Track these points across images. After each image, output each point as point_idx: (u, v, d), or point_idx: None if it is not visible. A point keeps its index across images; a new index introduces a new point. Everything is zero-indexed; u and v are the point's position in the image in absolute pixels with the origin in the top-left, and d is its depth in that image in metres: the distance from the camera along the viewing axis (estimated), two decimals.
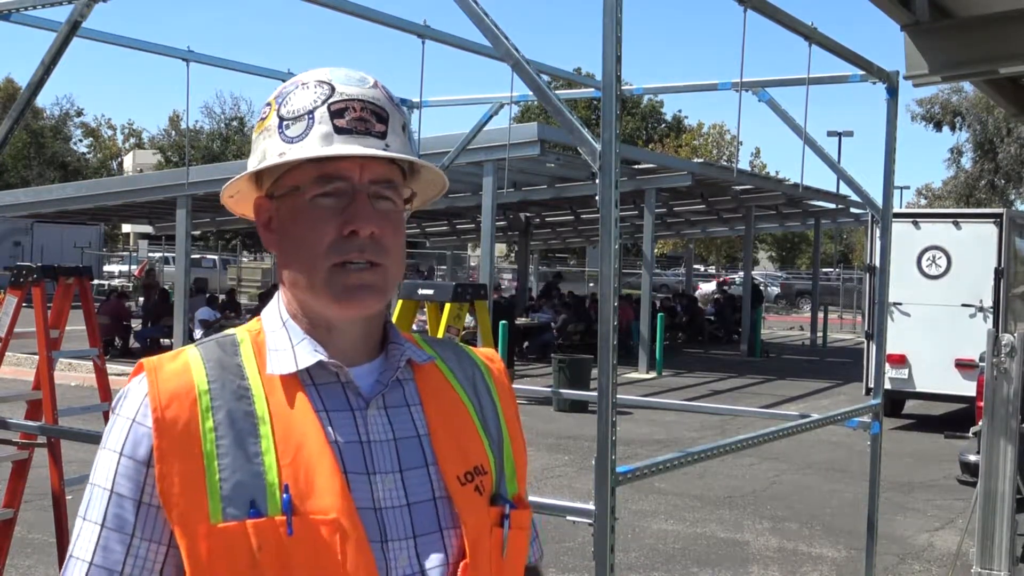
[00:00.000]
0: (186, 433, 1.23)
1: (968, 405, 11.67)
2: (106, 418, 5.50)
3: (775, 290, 43.80)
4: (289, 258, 1.31)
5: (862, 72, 4.99)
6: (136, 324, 20.37)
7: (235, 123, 57.53)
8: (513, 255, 34.65)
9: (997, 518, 5.34)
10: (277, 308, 1.36)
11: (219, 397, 1.25)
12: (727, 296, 28.44)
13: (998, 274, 12.47)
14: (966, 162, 42.04)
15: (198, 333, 17.23)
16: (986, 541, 5.36)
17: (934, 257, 12.90)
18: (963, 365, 12.30)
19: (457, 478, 1.31)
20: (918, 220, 13.11)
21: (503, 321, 14.83)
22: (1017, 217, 13.25)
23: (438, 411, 1.36)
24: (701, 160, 26.59)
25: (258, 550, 1.19)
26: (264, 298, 21.62)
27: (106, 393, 5.63)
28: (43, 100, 53.03)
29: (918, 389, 13.02)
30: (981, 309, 12.63)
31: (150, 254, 40.15)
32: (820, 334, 26.10)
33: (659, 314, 19.05)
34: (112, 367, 7.52)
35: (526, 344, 20.08)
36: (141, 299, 23.67)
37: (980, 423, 5.45)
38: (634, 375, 17.39)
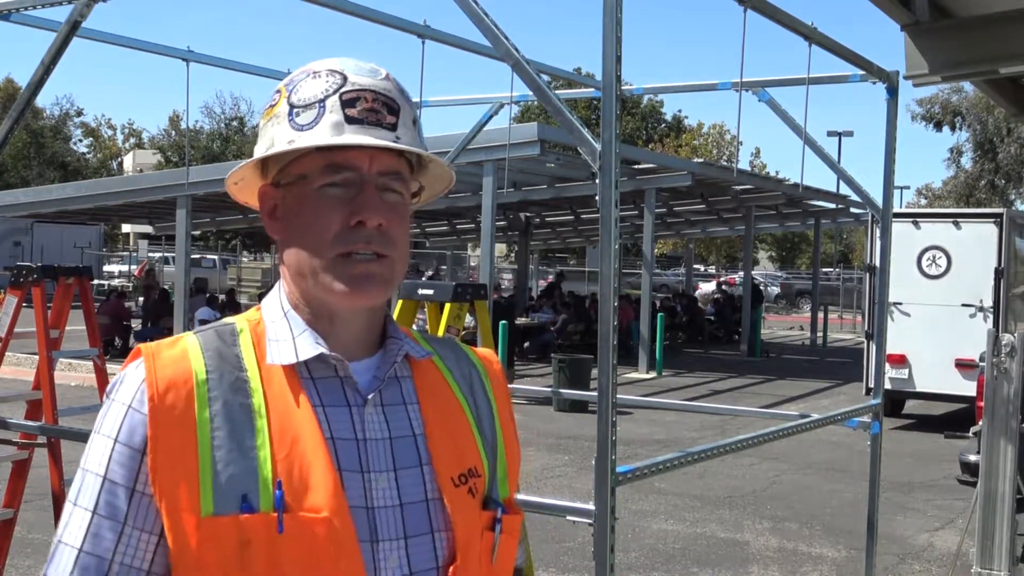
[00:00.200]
0: (182, 422, 1.21)
1: (968, 405, 11.67)
2: None
3: (775, 290, 43.79)
4: (294, 246, 1.30)
5: (862, 72, 4.99)
6: (136, 324, 20.36)
7: (235, 123, 57.54)
8: (513, 255, 34.65)
9: (997, 518, 5.34)
10: (278, 298, 1.34)
11: (216, 387, 1.24)
12: (727, 296, 28.45)
13: (998, 274, 12.47)
14: (966, 162, 42.05)
15: None
16: (986, 541, 5.36)
17: (934, 257, 12.90)
18: (963, 365, 12.30)
19: (451, 479, 1.30)
20: (918, 220, 13.11)
21: (503, 321, 14.82)
22: (1017, 217, 13.25)
23: (435, 410, 1.35)
24: (701, 160, 26.58)
25: (247, 545, 1.18)
26: (263, 298, 21.58)
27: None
28: (43, 100, 53.08)
29: (918, 389, 13.02)
30: (981, 309, 12.63)
31: (150, 254, 40.15)
32: (820, 334, 26.10)
33: (659, 314, 19.05)
34: (112, 367, 7.52)
35: (526, 344, 20.08)
36: (141, 299, 23.67)
37: (980, 423, 5.45)
38: (634, 375, 17.39)
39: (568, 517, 3.13)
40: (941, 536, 7.83)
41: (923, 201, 45.39)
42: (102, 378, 5.71)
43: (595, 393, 3.14)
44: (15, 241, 33.19)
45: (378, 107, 1.29)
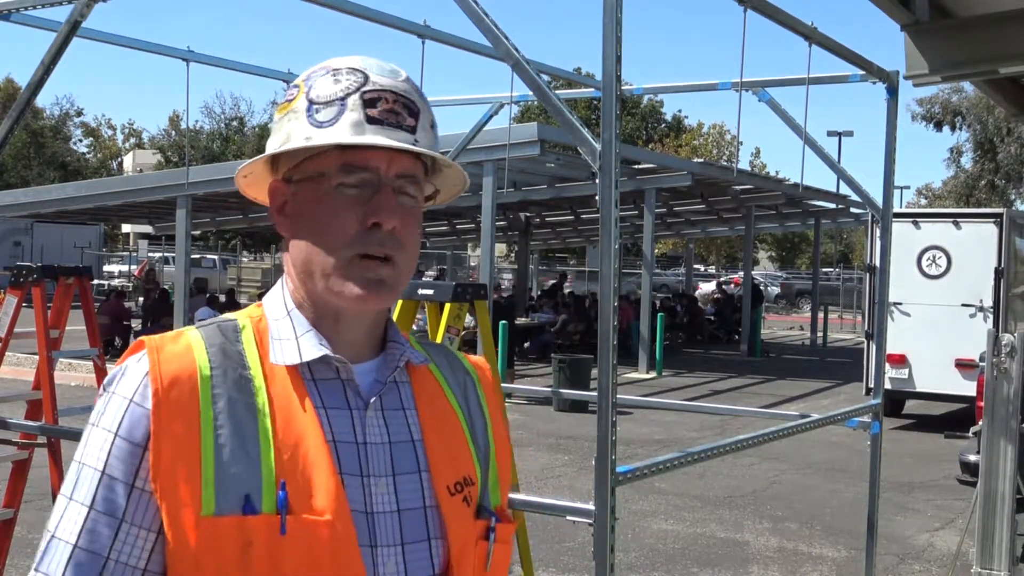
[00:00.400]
0: (186, 419, 1.19)
1: (968, 405, 11.67)
2: None
3: (775, 290, 43.80)
4: (304, 244, 1.28)
5: (862, 72, 4.99)
6: (136, 324, 20.37)
7: (235, 123, 57.56)
8: (513, 255, 34.65)
9: (997, 518, 5.34)
10: (281, 295, 1.33)
11: (220, 385, 1.22)
12: (727, 296, 28.45)
13: (998, 274, 12.47)
14: (966, 162, 42.05)
15: None
16: (986, 541, 5.36)
17: (934, 257, 12.90)
18: (963, 365, 12.30)
19: (447, 487, 1.30)
20: (918, 220, 13.12)
21: (503, 321, 14.82)
22: (1017, 217, 13.25)
23: (431, 417, 1.34)
24: (701, 160, 26.58)
25: (248, 546, 1.16)
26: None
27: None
28: (43, 100, 53.09)
29: (918, 389, 13.02)
30: (981, 309, 12.63)
31: (150, 254, 40.13)
32: (820, 334, 26.11)
33: (659, 314, 19.05)
34: (112, 367, 7.53)
35: (526, 344, 20.08)
36: (141, 299, 23.68)
37: (980, 423, 5.45)
38: (634, 375, 17.39)
39: (568, 517, 3.13)
40: (941, 536, 7.83)
41: (923, 201, 45.41)
42: (102, 378, 5.71)
43: (595, 393, 3.15)
44: (15, 241, 33.19)
45: (398, 109, 1.28)
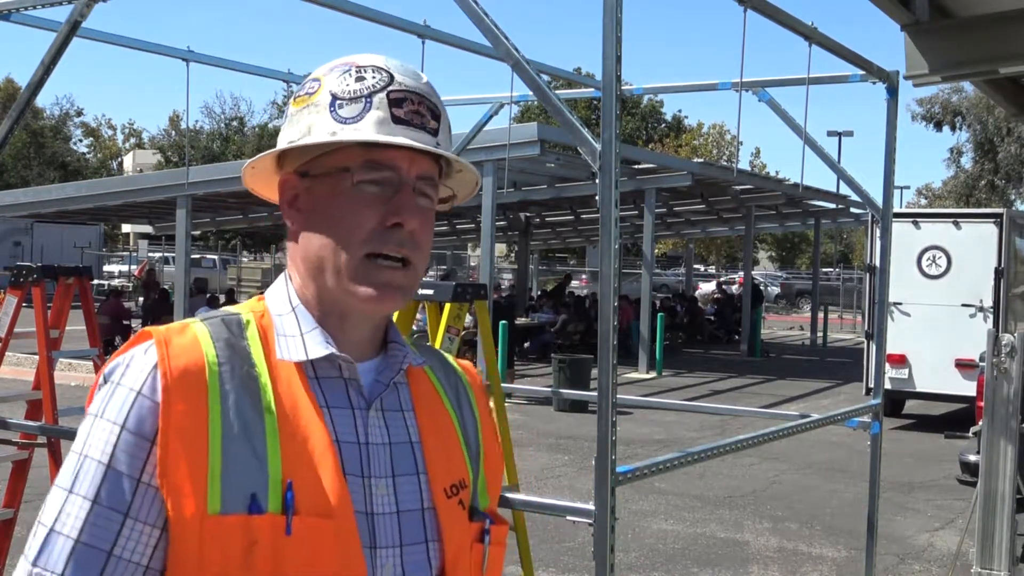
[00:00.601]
0: (195, 415, 1.17)
1: (968, 405, 11.67)
2: None
3: (775, 290, 43.80)
4: (317, 240, 1.27)
5: (862, 72, 4.99)
6: (136, 324, 20.36)
7: (235, 123, 57.54)
8: (513, 255, 34.65)
9: (997, 518, 5.34)
10: (285, 291, 1.31)
11: (228, 380, 1.20)
12: (727, 296, 28.45)
13: (998, 274, 12.47)
14: (966, 162, 42.07)
15: None
16: (986, 541, 5.36)
17: (934, 257, 12.90)
18: (963, 365, 12.30)
19: (444, 490, 1.30)
20: (918, 220, 13.12)
21: (503, 321, 14.82)
22: (1017, 217, 13.25)
23: (429, 419, 1.34)
24: (701, 160, 26.58)
25: (253, 545, 1.15)
26: None
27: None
28: (43, 100, 53.09)
29: (918, 389, 13.02)
30: (981, 309, 12.63)
31: (150, 254, 40.14)
32: (820, 334, 26.11)
33: (659, 314, 19.05)
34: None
35: (526, 344, 20.08)
36: (141, 299, 23.67)
37: (980, 423, 5.45)
38: (634, 375, 17.39)
39: (568, 517, 3.13)
40: (941, 536, 7.83)
41: (923, 201, 45.41)
42: None
43: (595, 393, 3.15)
44: (15, 241, 33.19)
45: (423, 111, 1.28)
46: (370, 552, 1.22)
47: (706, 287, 38.63)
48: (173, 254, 26.11)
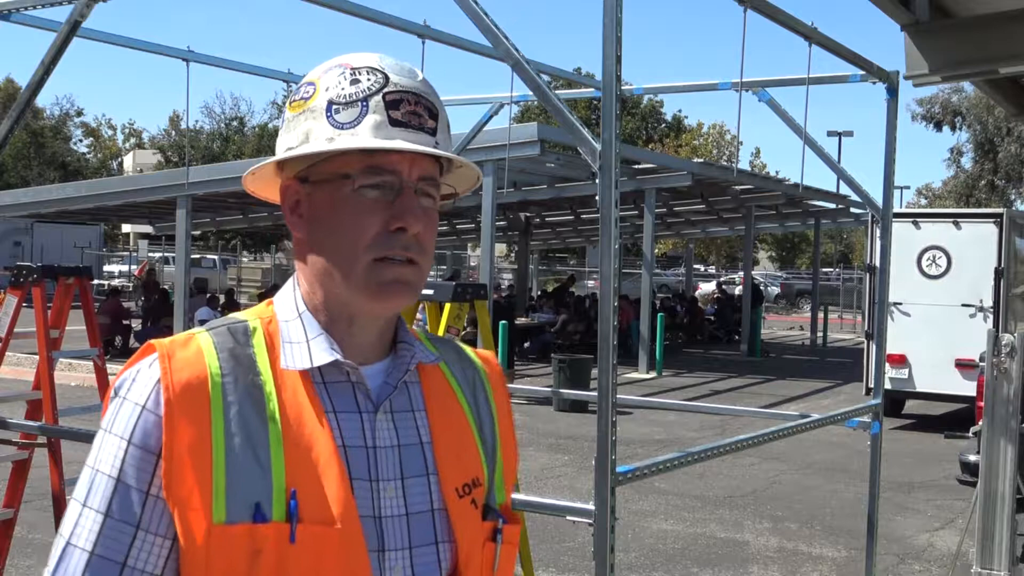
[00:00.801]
0: (198, 427, 1.18)
1: (968, 405, 11.67)
2: None
3: (775, 290, 43.80)
4: (322, 247, 1.27)
5: (862, 72, 4.99)
6: (136, 324, 20.37)
7: (235, 123, 57.53)
8: (513, 255, 34.66)
9: (997, 518, 5.34)
10: (292, 297, 1.31)
11: (232, 391, 1.21)
12: (727, 296, 28.45)
13: (998, 274, 12.47)
14: (966, 162, 42.09)
15: None
16: (986, 541, 5.36)
17: (934, 257, 12.90)
18: (963, 365, 12.30)
19: (455, 490, 1.30)
20: (918, 220, 13.12)
21: (503, 321, 14.83)
22: (1017, 217, 13.25)
23: (441, 417, 1.34)
24: (701, 160, 26.57)
25: (258, 554, 1.17)
26: (264, 298, 21.56)
27: (106, 393, 5.63)
28: (43, 100, 53.08)
29: (918, 389, 13.02)
30: (981, 309, 12.63)
31: (150, 254, 40.15)
32: (820, 334, 26.10)
33: (659, 314, 19.05)
34: (112, 367, 7.51)
35: (526, 344, 20.09)
36: (141, 299, 23.68)
37: (980, 423, 5.45)
38: (634, 375, 17.39)
39: (568, 517, 3.13)
40: (941, 536, 7.83)
41: (923, 201, 45.44)
42: (102, 378, 5.72)
43: (595, 393, 3.15)
44: (15, 241, 33.19)
45: (420, 111, 1.27)
46: (378, 556, 1.23)
47: (706, 287, 38.63)
48: (173, 254, 26.11)
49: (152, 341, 1.26)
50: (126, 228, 52.84)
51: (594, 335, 4.01)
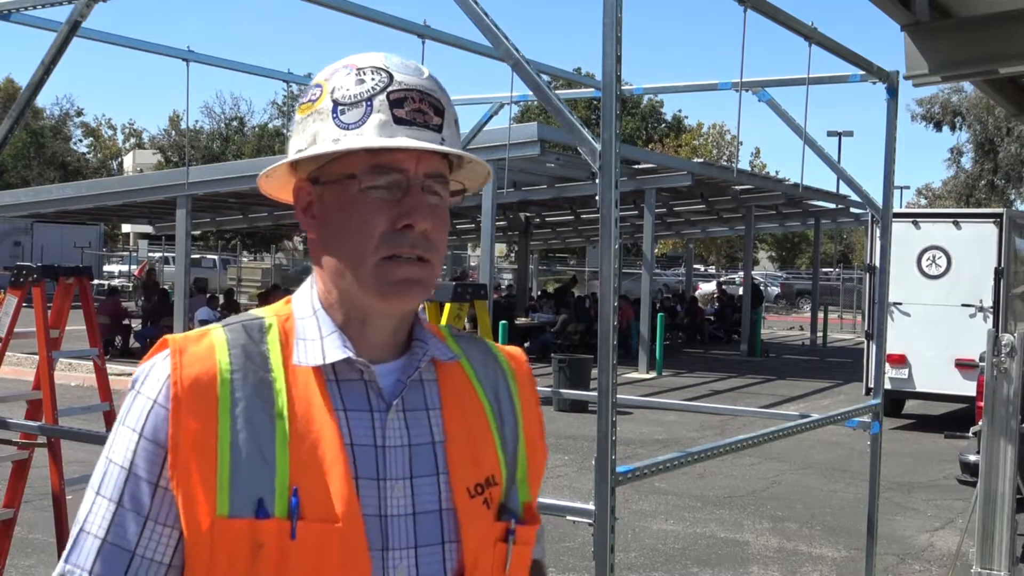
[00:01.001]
0: (204, 422, 1.21)
1: (968, 405, 11.67)
2: (106, 418, 5.51)
3: (775, 290, 43.80)
4: (333, 247, 1.28)
5: (862, 72, 4.99)
6: (136, 324, 20.36)
7: (235, 123, 57.51)
8: (513, 255, 34.67)
9: (997, 518, 5.34)
10: (310, 294, 1.33)
11: (240, 388, 1.23)
12: (727, 296, 28.46)
13: (998, 274, 12.47)
14: (966, 162, 42.10)
15: None
16: (986, 541, 5.36)
17: (934, 257, 12.90)
18: (963, 365, 12.30)
19: (467, 489, 1.30)
20: (918, 220, 13.12)
21: (503, 321, 14.83)
22: (1017, 217, 13.25)
23: (457, 416, 1.34)
24: (701, 160, 26.57)
25: (259, 548, 1.19)
26: (263, 298, 21.62)
27: (106, 393, 5.63)
28: (43, 100, 53.07)
29: (918, 389, 13.02)
30: (981, 309, 12.63)
31: (150, 254, 40.17)
32: (820, 334, 26.11)
33: (659, 314, 19.06)
34: (112, 367, 7.52)
35: (526, 344, 20.10)
36: (141, 300, 23.68)
37: (980, 423, 5.45)
38: (634, 375, 17.39)
39: (568, 517, 3.13)
40: (941, 536, 7.83)
41: (923, 201, 45.44)
42: (102, 378, 5.72)
43: (595, 393, 3.15)
44: (15, 241, 33.21)
45: (425, 108, 1.27)
46: (381, 554, 1.23)
47: (706, 287, 38.64)
48: (173, 254, 26.13)
49: (167, 336, 1.29)
50: (126, 228, 52.86)
51: (594, 335, 4.02)
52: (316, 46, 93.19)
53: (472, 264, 38.24)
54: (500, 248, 41.99)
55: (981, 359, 5.46)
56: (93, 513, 1.24)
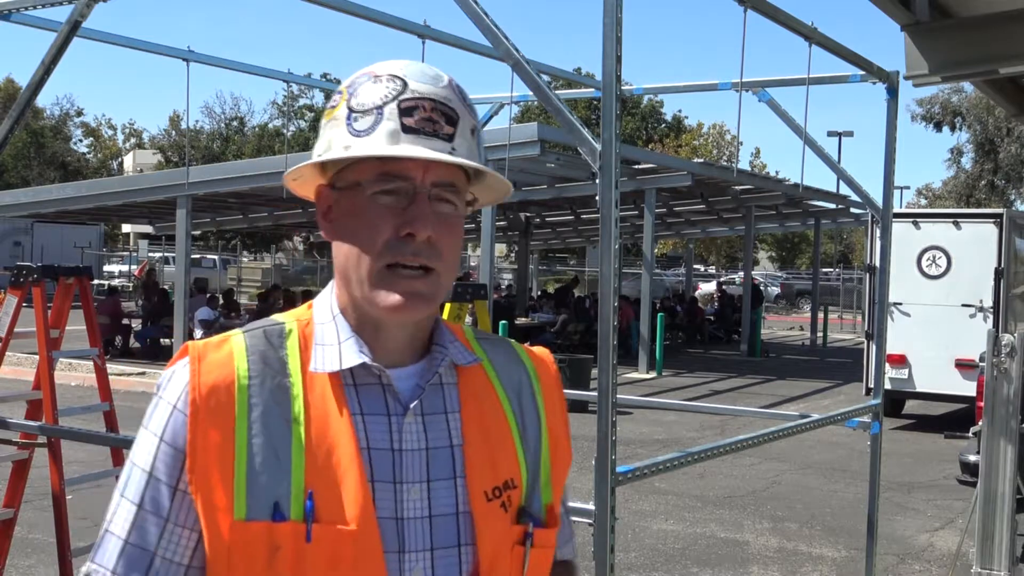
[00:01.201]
0: (221, 427, 1.24)
1: (968, 405, 11.67)
2: (106, 418, 5.51)
3: (775, 290, 43.80)
4: (343, 252, 1.30)
5: (862, 72, 4.99)
6: (136, 324, 20.36)
7: (235, 123, 57.52)
8: (513, 255, 34.67)
9: (997, 518, 5.34)
10: (329, 299, 1.35)
11: (257, 394, 1.26)
12: (727, 296, 28.46)
13: (998, 274, 12.47)
14: (966, 162, 42.09)
15: (198, 333, 17.23)
16: (986, 541, 5.36)
17: (934, 257, 12.90)
18: (963, 365, 12.30)
19: (484, 493, 1.30)
20: (918, 220, 13.11)
21: (503, 321, 14.83)
22: (1017, 217, 13.25)
23: (476, 419, 1.34)
24: (701, 160, 26.57)
25: (276, 551, 1.21)
26: (264, 298, 21.61)
27: (106, 393, 5.63)
28: (43, 100, 53.07)
29: (918, 389, 13.02)
30: (981, 309, 12.63)
31: (150, 254, 40.17)
32: (820, 334, 26.11)
33: (659, 314, 19.06)
34: (112, 367, 7.52)
35: (526, 344, 20.08)
36: (141, 299, 23.67)
37: (980, 423, 5.45)
38: (634, 375, 17.38)
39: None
40: (941, 536, 7.83)
41: (923, 201, 45.44)
42: (102, 378, 5.71)
43: (595, 393, 3.15)
44: (15, 241, 33.21)
45: (436, 117, 1.28)
46: (397, 557, 1.25)
47: (706, 287, 38.62)
48: (173, 254, 26.13)
49: (188, 343, 1.32)
50: (126, 228, 52.85)
51: (594, 335, 4.02)
52: (316, 46, 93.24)
53: (472, 264, 38.25)
54: (500, 248, 41.99)
55: (981, 359, 5.46)
56: (117, 515, 1.28)
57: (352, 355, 1.28)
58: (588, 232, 28.83)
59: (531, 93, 3.47)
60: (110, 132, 61.13)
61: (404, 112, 1.27)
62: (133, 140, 63.70)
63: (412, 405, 1.29)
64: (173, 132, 57.87)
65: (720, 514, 8.31)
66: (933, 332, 12.76)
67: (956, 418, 12.83)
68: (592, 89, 7.99)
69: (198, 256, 36.96)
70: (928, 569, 7.03)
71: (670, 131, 54.18)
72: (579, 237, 31.45)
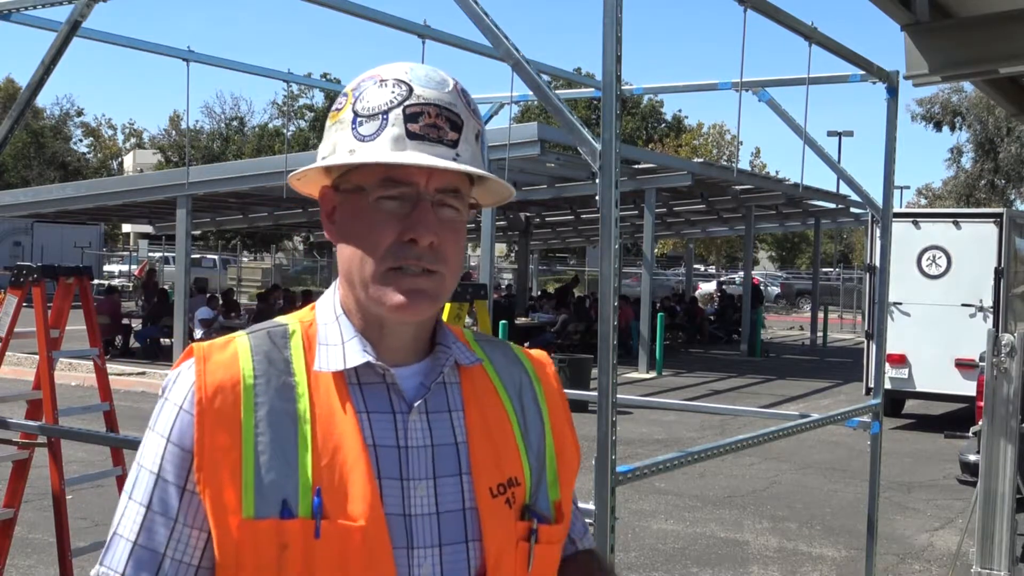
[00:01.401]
0: (228, 427, 1.24)
1: (968, 405, 11.68)
2: (106, 418, 5.51)
3: (775, 290, 43.80)
4: (347, 253, 1.31)
5: (862, 72, 4.99)
6: (136, 324, 20.36)
7: (235, 123, 57.51)
8: (513, 255, 34.66)
9: (997, 518, 5.34)
10: (332, 300, 1.36)
11: (263, 393, 1.26)
12: (727, 296, 28.46)
13: (998, 274, 12.47)
14: (966, 162, 42.07)
15: (198, 333, 17.24)
16: (986, 541, 5.36)
17: (934, 257, 12.90)
18: (963, 365, 12.30)
19: (489, 489, 1.32)
20: (918, 220, 13.11)
21: (503, 321, 14.82)
22: (1017, 217, 13.25)
23: (479, 418, 1.36)
24: (701, 160, 26.55)
25: (285, 548, 1.21)
26: (263, 298, 21.61)
27: (106, 393, 5.63)
28: (43, 100, 53.08)
29: (918, 389, 13.02)
30: (981, 309, 12.63)
31: (150, 254, 40.17)
32: (820, 334, 26.11)
33: (659, 314, 19.06)
34: (112, 367, 7.52)
35: (526, 344, 20.09)
36: (141, 299, 23.67)
37: (980, 423, 5.45)
38: (634, 375, 17.38)
39: None
40: (941, 536, 7.83)
41: (923, 201, 45.43)
42: (102, 378, 5.71)
43: (595, 393, 3.15)
44: (15, 241, 33.21)
45: (440, 123, 1.29)
46: (406, 553, 1.26)
47: (706, 287, 38.62)
48: (173, 254, 26.10)
49: (193, 344, 1.33)
50: (126, 228, 52.86)
51: (594, 335, 4.02)
52: (316, 46, 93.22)
53: (472, 264, 38.24)
54: (500, 248, 41.98)
55: (981, 359, 5.46)
56: (125, 517, 1.29)
57: (356, 354, 1.29)
58: (588, 232, 28.83)
59: (531, 93, 3.47)
60: (110, 132, 61.17)
61: (409, 118, 1.27)
62: (133, 140, 63.69)
63: (417, 403, 1.30)
64: (173, 132, 57.86)
65: (720, 514, 8.31)
66: (933, 332, 12.76)
67: (956, 418, 12.83)
68: (592, 89, 7.99)
69: (198, 256, 36.96)
70: (928, 569, 7.03)
71: (670, 131, 54.17)
72: (579, 237, 31.45)
